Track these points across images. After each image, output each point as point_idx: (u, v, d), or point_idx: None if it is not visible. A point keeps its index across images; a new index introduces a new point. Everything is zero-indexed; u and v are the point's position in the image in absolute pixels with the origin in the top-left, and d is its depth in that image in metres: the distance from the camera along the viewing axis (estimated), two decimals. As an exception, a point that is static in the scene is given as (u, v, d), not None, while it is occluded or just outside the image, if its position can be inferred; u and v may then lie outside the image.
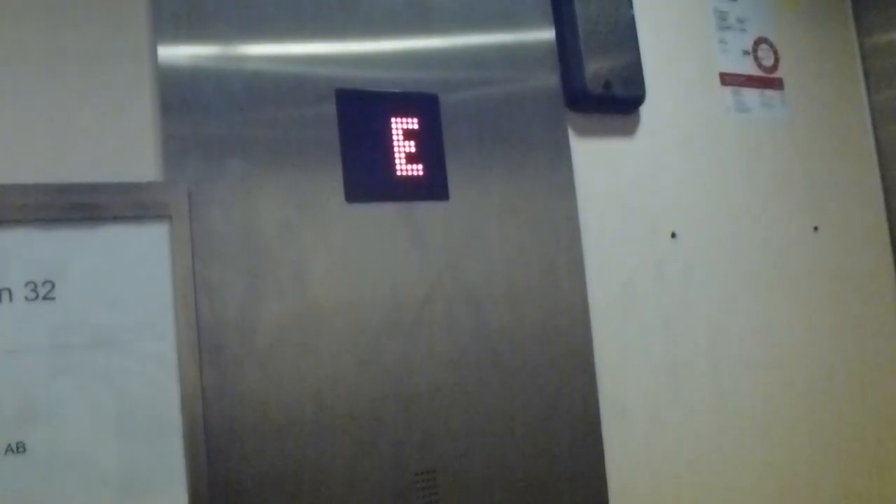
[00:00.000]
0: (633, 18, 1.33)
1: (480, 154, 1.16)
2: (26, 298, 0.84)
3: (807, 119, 1.60)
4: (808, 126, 1.60)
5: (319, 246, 1.02)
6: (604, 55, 1.27)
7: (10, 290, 0.83)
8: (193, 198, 0.94)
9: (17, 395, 0.82)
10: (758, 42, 1.56)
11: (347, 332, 1.02)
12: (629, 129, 1.36)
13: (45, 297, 0.84)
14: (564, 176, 1.23)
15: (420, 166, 1.10)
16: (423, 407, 1.06)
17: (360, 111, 1.07)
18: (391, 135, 1.09)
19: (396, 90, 1.11)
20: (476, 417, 1.09)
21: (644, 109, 1.36)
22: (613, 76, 1.28)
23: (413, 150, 1.10)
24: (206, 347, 0.92)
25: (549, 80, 1.25)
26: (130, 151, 0.94)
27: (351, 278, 1.03)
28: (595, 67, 1.26)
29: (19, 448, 0.81)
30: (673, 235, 1.37)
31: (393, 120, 1.09)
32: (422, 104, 1.12)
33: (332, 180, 1.04)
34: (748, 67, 1.53)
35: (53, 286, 0.85)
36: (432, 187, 1.11)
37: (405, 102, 1.11)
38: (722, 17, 1.52)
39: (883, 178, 1.70)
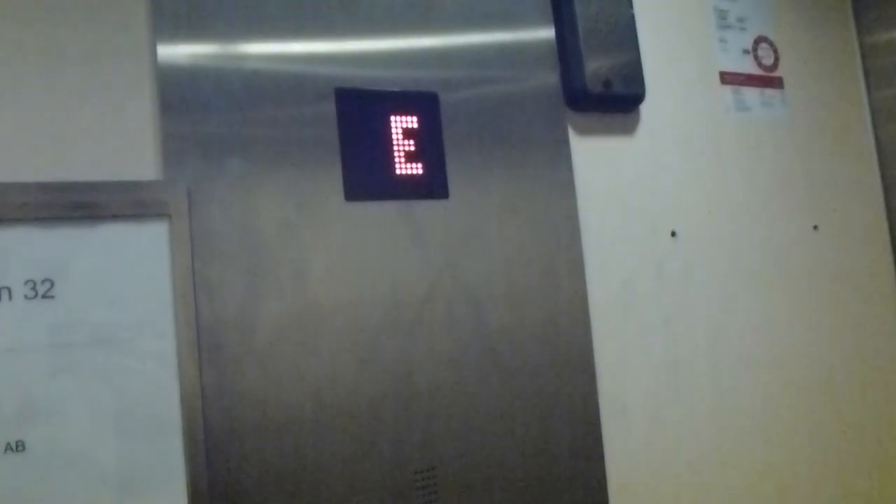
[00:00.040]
0: (632, 17, 1.33)
1: (480, 153, 1.16)
2: (26, 297, 0.84)
3: (807, 118, 1.60)
4: (808, 125, 1.60)
5: (319, 245, 1.02)
6: (604, 54, 1.27)
7: (9, 289, 0.83)
8: (193, 196, 0.94)
9: (17, 393, 0.82)
10: (758, 41, 1.56)
11: (347, 330, 1.02)
12: (629, 128, 1.36)
13: (44, 296, 0.84)
14: (564, 175, 1.23)
15: (420, 165, 1.10)
16: (423, 405, 1.06)
17: (359, 110, 1.07)
18: (391, 134, 1.09)
19: (396, 89, 1.11)
20: (476, 416, 1.09)
21: (644, 108, 1.36)
22: (613, 75, 1.28)
23: (413, 148, 1.10)
24: (206, 346, 0.92)
25: (549, 78, 1.25)
26: (130, 150, 0.94)
27: (350, 277, 1.03)
28: (595, 66, 1.26)
29: (19, 447, 0.81)
30: (673, 234, 1.37)
31: (392, 119, 1.09)
32: (421, 103, 1.12)
33: (332, 179, 1.04)
34: (748, 66, 1.53)
35: (53, 285, 0.85)
36: (432, 186, 1.11)
37: (405, 101, 1.11)
38: (722, 15, 1.52)
39: (883, 176, 1.70)
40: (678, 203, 1.38)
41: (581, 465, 1.16)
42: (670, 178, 1.38)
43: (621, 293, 1.29)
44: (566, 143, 1.25)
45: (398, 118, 1.10)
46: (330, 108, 1.05)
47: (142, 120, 0.96)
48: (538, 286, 1.17)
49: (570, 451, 1.16)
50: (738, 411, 1.39)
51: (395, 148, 1.09)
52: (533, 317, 1.16)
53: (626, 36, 1.31)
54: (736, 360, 1.41)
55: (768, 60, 1.57)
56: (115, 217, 0.89)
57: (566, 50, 1.26)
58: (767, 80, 1.56)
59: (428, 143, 1.11)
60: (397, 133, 1.09)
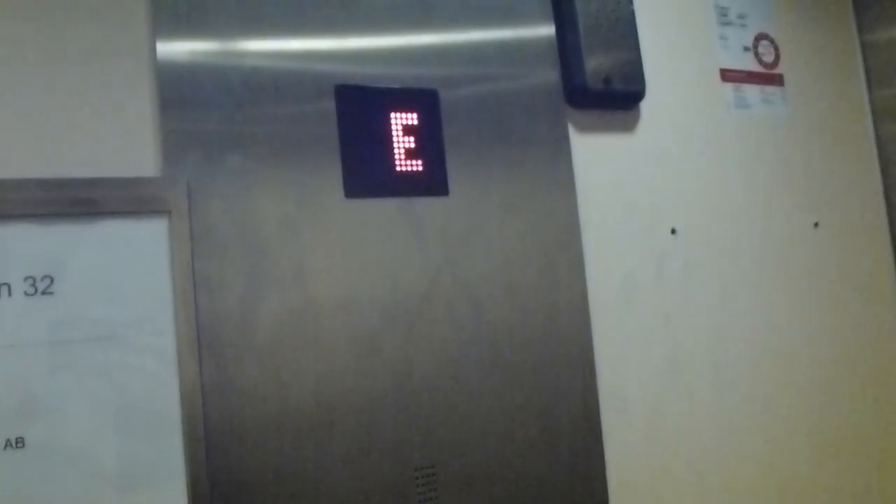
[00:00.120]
0: (633, 14, 1.32)
1: (480, 150, 1.16)
2: (25, 293, 0.84)
3: (807, 115, 1.60)
4: (809, 122, 1.60)
5: (319, 241, 1.02)
6: (604, 51, 1.27)
7: (9, 286, 0.83)
8: (193, 193, 0.94)
9: (17, 390, 0.82)
10: (758, 38, 1.56)
11: (347, 327, 1.02)
12: (629, 126, 1.35)
13: (44, 292, 0.84)
14: (564, 172, 1.23)
15: (420, 162, 1.10)
16: (423, 402, 1.06)
17: (359, 107, 1.07)
18: (391, 130, 1.09)
19: (396, 86, 1.11)
20: (476, 413, 1.09)
21: (644, 105, 1.36)
22: (613, 72, 1.28)
23: (413, 145, 1.10)
24: (206, 343, 0.92)
25: (549, 75, 1.25)
26: (130, 147, 0.94)
27: (350, 274, 1.03)
28: (595, 63, 1.26)
29: (18, 443, 0.81)
30: (673, 231, 1.37)
31: (392, 116, 1.09)
32: (422, 100, 1.12)
33: (332, 176, 1.04)
34: (749, 63, 1.53)
35: (52, 281, 0.85)
36: (432, 183, 1.11)
37: (405, 98, 1.11)
38: (722, 12, 1.51)
39: (883, 174, 1.69)
40: (678, 200, 1.38)
41: (581, 461, 1.16)
42: (670, 175, 1.38)
43: (621, 290, 1.29)
44: (566, 140, 1.25)
45: (398, 115, 1.10)
46: (330, 104, 1.05)
47: (142, 117, 0.96)
48: (538, 283, 1.17)
49: (570, 448, 1.16)
50: (738, 407, 1.39)
51: (396, 145, 1.09)
52: (533, 313, 1.16)
53: (626, 33, 1.31)
54: (736, 356, 1.41)
55: (769, 58, 1.57)
56: (115, 214, 0.89)
57: (566, 47, 1.26)
58: (768, 78, 1.56)
59: (428, 140, 1.11)
60: (397, 130, 1.09)
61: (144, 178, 0.93)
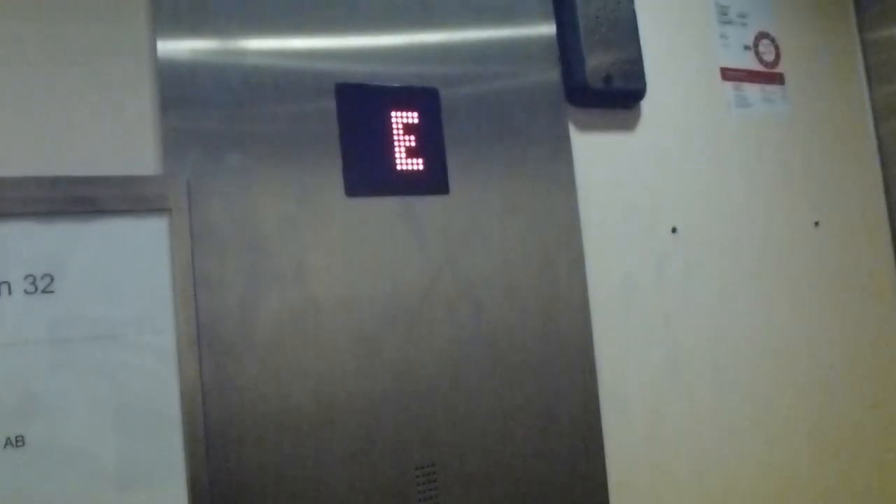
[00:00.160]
0: (633, 13, 1.32)
1: (481, 148, 1.16)
2: (25, 292, 0.83)
3: (808, 114, 1.60)
4: (809, 121, 1.60)
5: (319, 240, 1.02)
6: (604, 49, 1.27)
7: (9, 284, 0.83)
8: (193, 191, 0.94)
9: (16, 388, 0.82)
10: (759, 37, 1.56)
11: (347, 325, 1.02)
12: (630, 124, 1.35)
13: (44, 291, 0.84)
14: (565, 170, 1.23)
15: (420, 160, 1.10)
16: (423, 401, 1.06)
17: (360, 105, 1.07)
18: (391, 129, 1.09)
19: (397, 84, 1.11)
20: (476, 412, 1.09)
21: (645, 104, 1.36)
22: (614, 70, 1.27)
23: (413, 144, 1.10)
24: (206, 341, 0.92)
25: (550, 74, 1.25)
26: (130, 145, 0.94)
27: (351, 272, 1.03)
28: (596, 62, 1.26)
29: (18, 441, 0.81)
30: (673, 230, 1.36)
31: (393, 114, 1.09)
32: (422, 98, 1.12)
33: (332, 174, 1.04)
34: (749, 62, 1.53)
35: (52, 279, 0.85)
36: (432, 182, 1.11)
37: (405, 97, 1.11)
38: (723, 11, 1.51)
39: (884, 173, 1.69)
40: (679, 199, 1.38)
41: (581, 461, 1.16)
42: (671, 174, 1.38)
43: (622, 289, 1.29)
44: (567, 138, 1.24)
45: (399, 114, 1.09)
46: (330, 103, 1.05)
47: (142, 115, 0.96)
48: (538, 282, 1.17)
49: (570, 448, 1.16)
50: (739, 406, 1.39)
51: (396, 143, 1.09)
52: (533, 312, 1.16)
53: (626, 31, 1.31)
54: (736, 356, 1.41)
55: (769, 56, 1.57)
56: (116, 212, 0.89)
57: (567, 45, 1.26)
58: (768, 77, 1.56)
59: (428, 139, 1.11)
60: (398, 129, 1.09)
61: (145, 176, 0.93)
